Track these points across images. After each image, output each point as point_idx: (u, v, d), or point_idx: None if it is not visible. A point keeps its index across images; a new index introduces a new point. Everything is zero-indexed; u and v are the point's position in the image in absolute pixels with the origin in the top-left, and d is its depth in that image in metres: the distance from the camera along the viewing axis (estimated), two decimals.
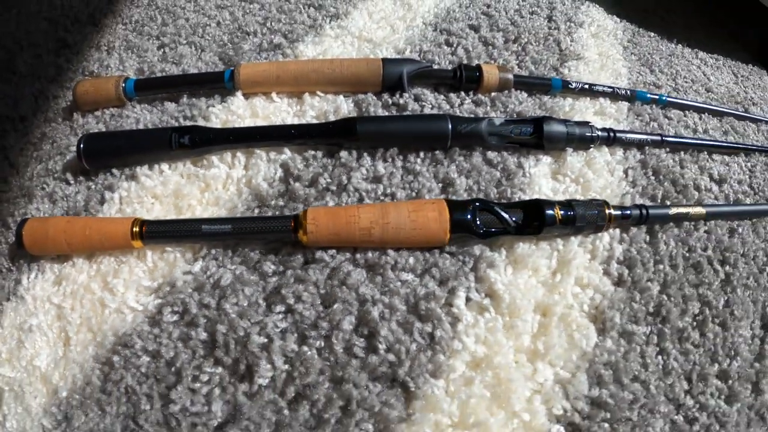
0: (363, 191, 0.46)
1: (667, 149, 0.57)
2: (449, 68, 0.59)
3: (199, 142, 0.49)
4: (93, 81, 0.58)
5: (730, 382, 0.41)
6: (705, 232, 0.50)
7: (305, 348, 0.38)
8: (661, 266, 0.46)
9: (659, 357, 0.41)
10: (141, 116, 0.56)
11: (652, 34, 0.80)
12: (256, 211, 0.47)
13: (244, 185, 0.49)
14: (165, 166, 0.50)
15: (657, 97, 0.63)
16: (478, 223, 0.42)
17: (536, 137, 0.51)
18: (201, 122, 0.55)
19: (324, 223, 0.41)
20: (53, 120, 0.58)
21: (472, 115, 0.55)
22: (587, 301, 0.43)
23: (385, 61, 0.54)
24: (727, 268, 0.47)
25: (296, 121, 0.54)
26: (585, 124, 0.55)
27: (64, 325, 0.40)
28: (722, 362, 0.42)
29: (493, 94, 0.57)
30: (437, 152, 0.50)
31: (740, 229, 0.51)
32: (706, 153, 0.58)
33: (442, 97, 0.57)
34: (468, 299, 0.41)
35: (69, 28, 0.71)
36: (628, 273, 0.45)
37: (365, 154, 0.49)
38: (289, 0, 0.72)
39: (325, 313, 0.40)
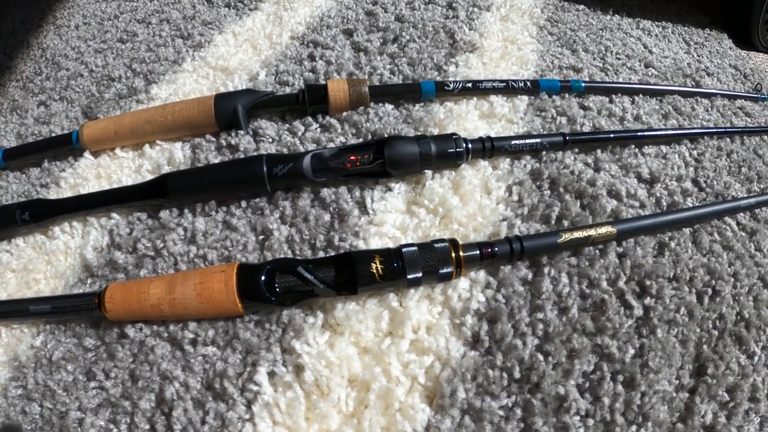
0: (177, 255, 0.44)
1: (576, 150, 0.48)
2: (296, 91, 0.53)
3: (40, 216, 0.49)
4: None
5: None
6: (618, 256, 0.40)
7: (112, 426, 0.38)
8: (540, 315, 0.38)
9: None
10: (10, 187, 0.56)
11: (581, 7, 0.68)
12: (88, 282, 0.46)
13: (78, 256, 0.48)
14: (20, 240, 0.51)
15: (570, 84, 0.53)
16: (277, 288, 0.38)
17: (380, 164, 0.45)
18: (54, 189, 0.54)
19: (119, 300, 0.39)
20: None
21: (315, 146, 0.49)
22: (420, 372, 0.36)
23: (217, 98, 0.50)
24: (648, 300, 0.38)
25: (134, 177, 0.51)
26: (447, 137, 0.47)
27: None
28: None
29: (345, 113, 0.52)
30: (259, 199, 0.45)
31: (673, 243, 0.40)
32: (634, 146, 0.48)
33: (286, 127, 0.51)
34: (273, 374, 0.38)
35: None
36: (488, 330, 0.38)
37: (186, 210, 0.46)
38: (160, 34, 0.68)
39: (131, 390, 0.39)
